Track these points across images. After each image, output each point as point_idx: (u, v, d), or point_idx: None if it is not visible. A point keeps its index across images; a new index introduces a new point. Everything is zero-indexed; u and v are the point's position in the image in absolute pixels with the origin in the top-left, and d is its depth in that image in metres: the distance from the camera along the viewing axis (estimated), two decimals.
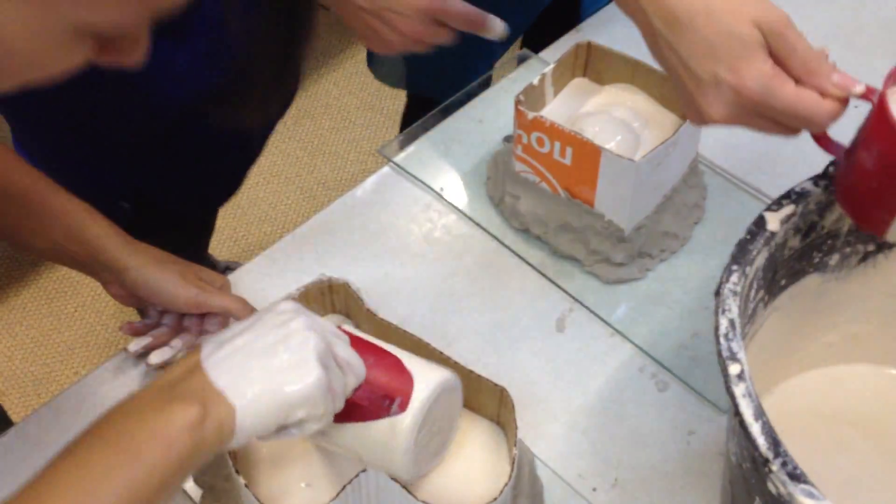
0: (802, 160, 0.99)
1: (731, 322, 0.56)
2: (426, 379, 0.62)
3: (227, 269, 1.77)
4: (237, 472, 0.64)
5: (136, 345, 0.79)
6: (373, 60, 1.29)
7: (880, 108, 0.58)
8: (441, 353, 0.72)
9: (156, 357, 0.78)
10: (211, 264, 1.76)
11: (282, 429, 0.57)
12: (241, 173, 1.21)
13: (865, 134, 0.61)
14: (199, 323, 0.80)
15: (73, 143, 1.00)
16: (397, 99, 2.23)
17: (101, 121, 0.95)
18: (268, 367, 0.55)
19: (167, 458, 0.51)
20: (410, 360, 0.64)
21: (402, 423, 0.60)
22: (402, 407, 0.60)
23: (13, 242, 0.78)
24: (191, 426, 0.52)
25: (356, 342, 0.64)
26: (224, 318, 0.81)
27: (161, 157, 1.04)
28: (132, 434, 0.52)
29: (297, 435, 0.58)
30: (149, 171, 1.05)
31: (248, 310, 0.78)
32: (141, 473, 0.50)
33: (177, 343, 0.79)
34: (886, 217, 0.61)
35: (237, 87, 0.83)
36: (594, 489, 0.75)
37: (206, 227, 1.38)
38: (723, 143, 1.00)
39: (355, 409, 0.61)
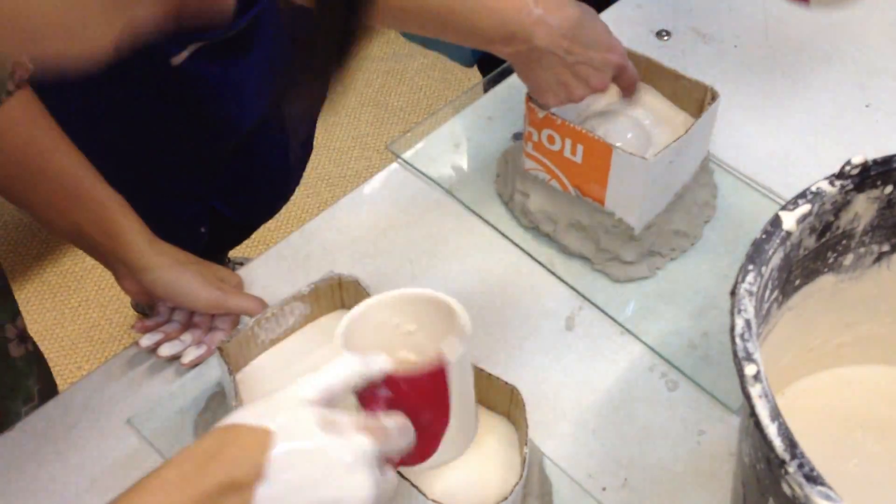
0: (813, 159, 0.99)
1: (747, 322, 0.55)
2: (435, 459, 0.61)
3: (233, 264, 1.78)
4: None
5: (148, 340, 0.79)
6: None
7: None
8: None
9: (166, 350, 0.78)
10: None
11: None
12: (299, 174, 1.23)
13: None
14: (209, 319, 0.80)
15: (154, 172, 1.03)
16: (402, 95, 2.23)
17: (177, 144, 0.98)
18: None
19: None
20: (454, 424, 0.60)
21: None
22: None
23: (37, 217, 0.79)
24: None
25: (433, 396, 0.59)
26: (235, 316, 0.81)
27: (232, 173, 1.06)
28: None
29: None
30: (223, 190, 1.07)
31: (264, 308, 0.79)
32: None
33: (187, 338, 0.79)
34: None
35: (292, 93, 0.84)
36: (604, 489, 0.75)
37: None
38: (734, 141, 1.00)
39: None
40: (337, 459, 0.51)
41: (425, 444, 0.59)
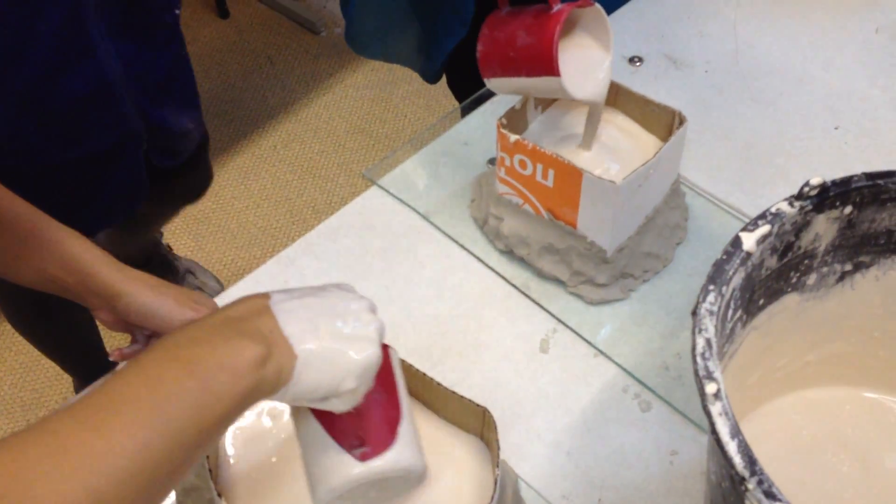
0: (783, 181, 1.00)
1: (708, 341, 0.56)
2: (401, 453, 0.62)
3: (187, 271, 1.80)
4: (219, 495, 0.64)
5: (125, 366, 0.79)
6: (350, 35, 1.27)
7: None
8: (425, 374, 0.72)
9: None
10: (166, 259, 1.78)
11: (325, 398, 0.57)
12: (116, 150, 1.19)
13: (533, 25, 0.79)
14: None
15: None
16: (386, 122, 2.25)
17: None
18: (335, 330, 0.57)
19: (232, 391, 0.51)
20: (408, 425, 0.63)
21: (350, 470, 0.60)
22: (364, 457, 0.60)
23: (1, 272, 0.78)
24: (256, 364, 0.52)
25: (383, 373, 0.62)
26: None
27: (25, 116, 1.04)
28: (202, 361, 0.51)
29: (334, 407, 0.59)
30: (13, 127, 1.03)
31: None
32: (208, 400, 0.50)
33: None
34: (498, 73, 0.85)
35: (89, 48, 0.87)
36: None
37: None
38: (704, 164, 1.02)
39: (331, 422, 0.61)
40: (338, 297, 0.60)
41: (383, 431, 0.62)
